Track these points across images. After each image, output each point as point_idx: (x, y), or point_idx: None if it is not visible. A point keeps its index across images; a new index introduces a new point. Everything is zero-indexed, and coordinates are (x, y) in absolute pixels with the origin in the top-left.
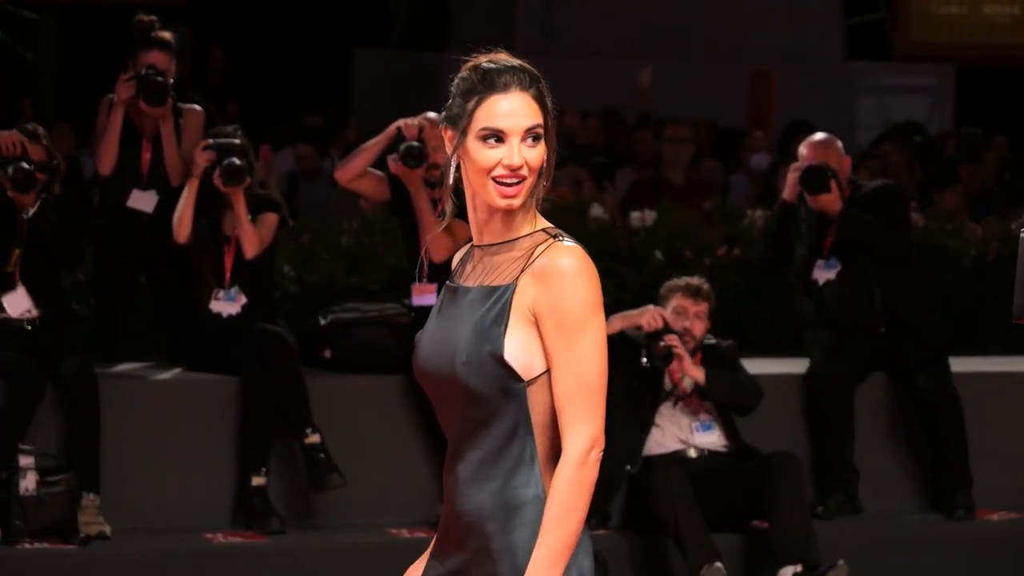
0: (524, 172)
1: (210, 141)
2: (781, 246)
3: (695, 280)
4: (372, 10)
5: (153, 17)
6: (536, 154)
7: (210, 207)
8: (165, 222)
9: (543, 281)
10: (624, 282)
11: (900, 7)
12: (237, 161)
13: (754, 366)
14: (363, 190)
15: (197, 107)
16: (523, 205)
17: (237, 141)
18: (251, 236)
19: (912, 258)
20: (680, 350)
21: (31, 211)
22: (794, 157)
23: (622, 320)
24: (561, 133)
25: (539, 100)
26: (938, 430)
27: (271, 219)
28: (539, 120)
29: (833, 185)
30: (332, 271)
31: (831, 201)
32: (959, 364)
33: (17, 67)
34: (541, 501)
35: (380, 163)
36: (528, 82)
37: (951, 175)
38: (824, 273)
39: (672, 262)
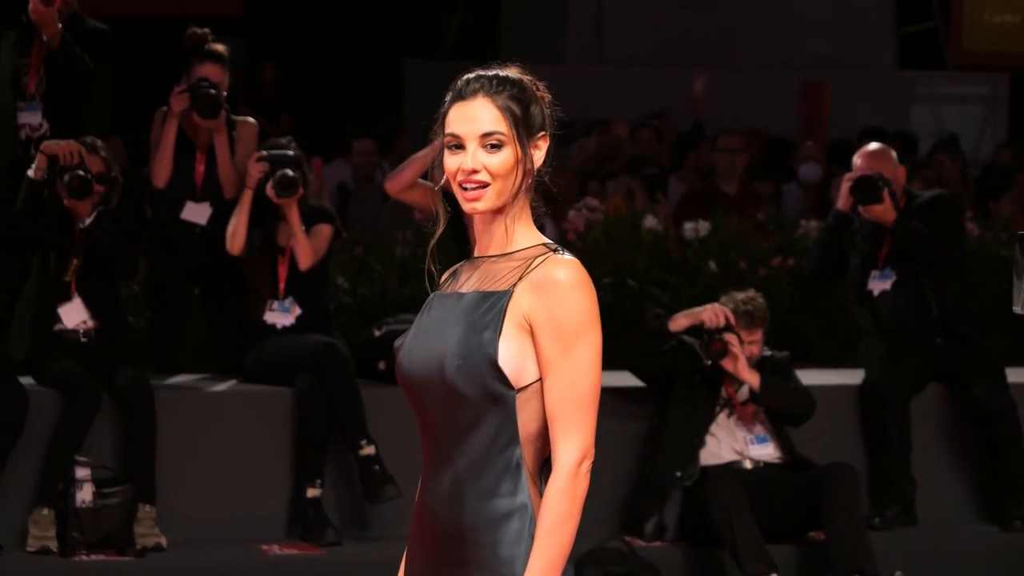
0: (483, 177)
1: (264, 153)
2: (835, 256)
3: (750, 303)
4: (424, 21)
5: (206, 30)
6: (498, 160)
7: (264, 219)
8: (219, 234)
9: (541, 291)
10: (677, 293)
11: (953, 16)
12: (290, 173)
13: (809, 377)
14: (413, 201)
15: (251, 119)
16: (509, 214)
17: (291, 153)
18: (305, 248)
19: (966, 268)
20: (737, 349)
21: (87, 221)
22: (849, 167)
23: (687, 317)
24: (611, 142)
25: (506, 108)
26: (994, 440)
27: (325, 231)
28: (499, 127)
29: (886, 195)
30: (386, 283)
31: (884, 211)
32: (1015, 374)
33: (77, 73)
34: (528, 510)
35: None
36: (496, 89)
37: (1006, 184)
38: (879, 284)
39: (726, 273)
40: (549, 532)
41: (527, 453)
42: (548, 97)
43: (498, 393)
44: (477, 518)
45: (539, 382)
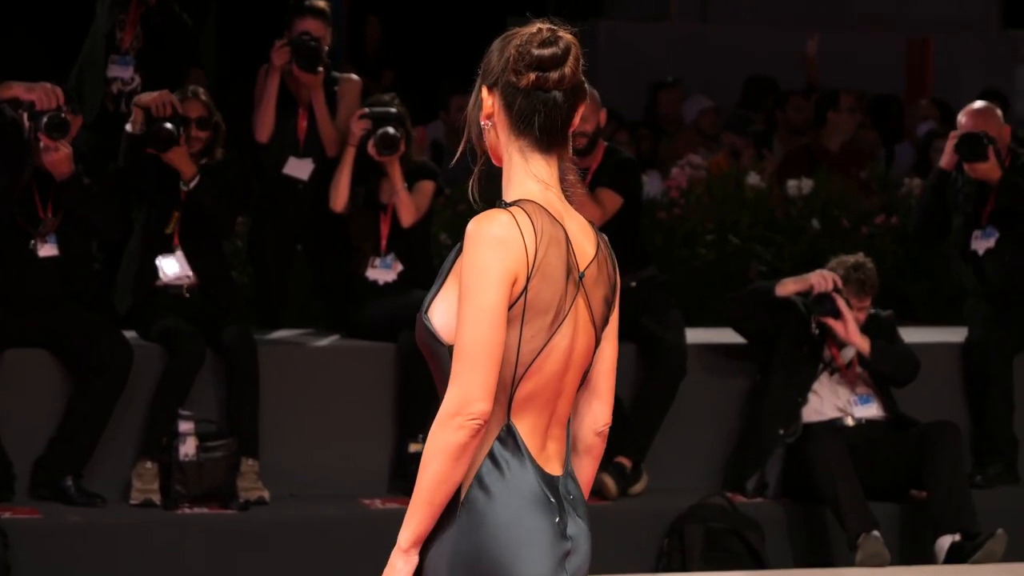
0: None
1: (366, 110)
2: (938, 215)
3: (861, 269)
4: None
5: None
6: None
7: (367, 176)
8: (321, 190)
9: None
10: (780, 251)
11: None
12: (391, 130)
13: (912, 335)
14: None
15: (354, 76)
16: (505, 168)
17: (393, 110)
18: (407, 204)
19: None
20: (848, 314)
21: (192, 184)
22: (952, 126)
23: (795, 283)
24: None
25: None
26: None
27: (427, 187)
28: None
29: (991, 153)
30: None
31: (989, 169)
32: None
33: (175, 31)
34: None
35: None
36: None
37: None
38: (982, 242)
39: (829, 231)
40: (418, 474)
41: None
42: (512, 51)
43: (434, 349)
44: None
45: None
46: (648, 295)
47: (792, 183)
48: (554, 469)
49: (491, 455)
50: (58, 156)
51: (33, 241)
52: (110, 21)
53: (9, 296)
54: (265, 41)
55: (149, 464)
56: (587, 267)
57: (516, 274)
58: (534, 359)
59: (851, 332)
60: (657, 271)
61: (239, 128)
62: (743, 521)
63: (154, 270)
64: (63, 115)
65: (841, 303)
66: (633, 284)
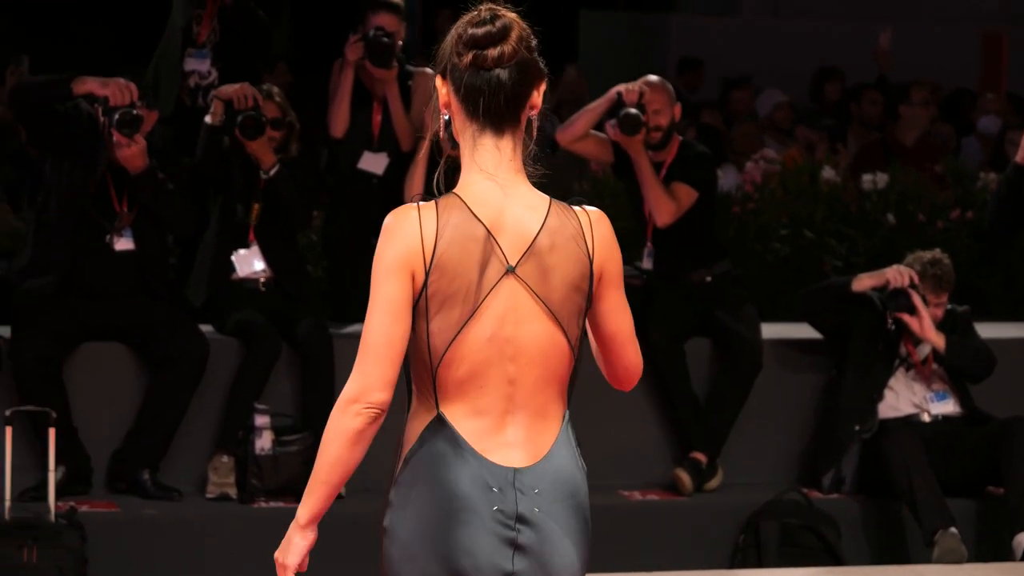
0: None
1: None
2: (1014, 210)
3: (937, 265)
4: None
5: None
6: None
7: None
8: (396, 184)
9: None
10: (855, 245)
11: None
12: None
13: (988, 330)
14: (585, 152)
15: (428, 70)
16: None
17: None
18: None
19: None
20: (923, 310)
21: (271, 172)
22: None
23: (871, 278)
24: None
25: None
26: None
27: None
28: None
29: None
30: None
31: None
32: None
33: (251, 27)
34: (403, 434)
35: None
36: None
37: None
38: None
39: (904, 225)
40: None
41: (415, 392)
42: (454, 34)
43: None
44: None
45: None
46: (723, 289)
47: (867, 177)
48: (511, 460)
49: (420, 438)
50: (131, 151)
51: (109, 235)
52: (187, 15)
53: (85, 290)
54: (340, 34)
55: (225, 458)
56: (524, 256)
57: (412, 267)
58: (446, 350)
59: (926, 328)
60: (731, 265)
61: (314, 123)
62: (819, 517)
63: (229, 264)
64: (135, 111)
65: (917, 299)
66: (708, 279)
